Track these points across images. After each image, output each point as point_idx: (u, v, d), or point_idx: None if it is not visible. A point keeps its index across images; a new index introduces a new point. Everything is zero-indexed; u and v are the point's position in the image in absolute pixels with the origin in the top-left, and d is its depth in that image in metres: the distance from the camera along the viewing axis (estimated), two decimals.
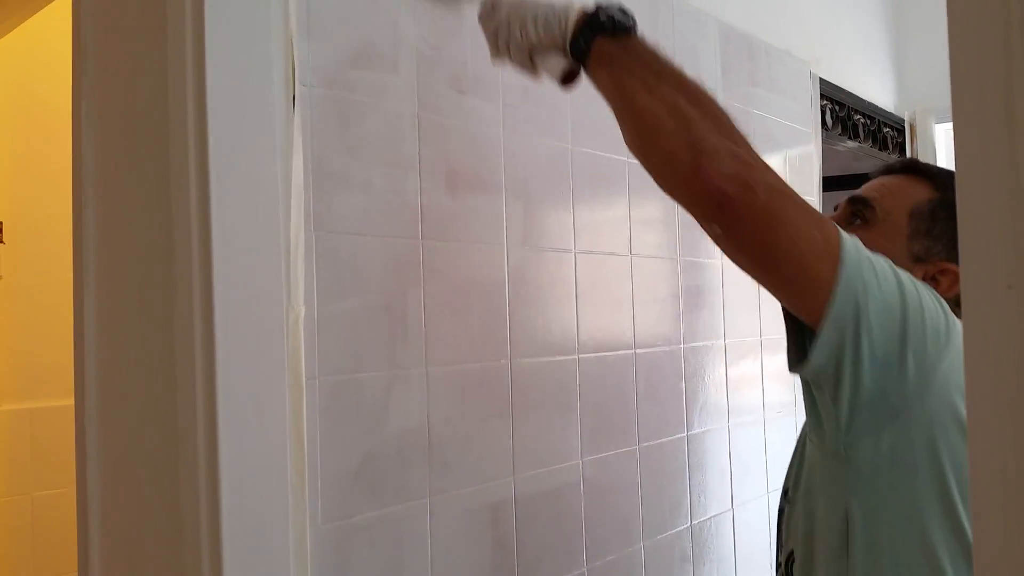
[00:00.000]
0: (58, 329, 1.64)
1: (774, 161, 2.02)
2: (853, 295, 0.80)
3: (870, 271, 0.82)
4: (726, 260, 1.77)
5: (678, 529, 1.62)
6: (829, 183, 2.48)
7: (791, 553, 1.00)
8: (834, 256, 0.80)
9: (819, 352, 0.83)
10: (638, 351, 1.56)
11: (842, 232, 0.83)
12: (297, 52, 0.98)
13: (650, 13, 1.60)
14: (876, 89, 2.69)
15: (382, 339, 1.09)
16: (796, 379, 2.06)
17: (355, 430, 1.05)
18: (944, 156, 2.86)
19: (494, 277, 1.26)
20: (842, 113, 2.44)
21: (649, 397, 1.57)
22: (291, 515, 0.94)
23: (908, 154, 2.86)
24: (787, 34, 2.10)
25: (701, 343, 1.73)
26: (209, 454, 0.90)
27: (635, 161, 1.57)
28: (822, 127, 2.28)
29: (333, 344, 1.03)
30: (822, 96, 2.28)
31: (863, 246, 0.84)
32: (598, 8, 0.92)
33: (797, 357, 0.88)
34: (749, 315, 1.89)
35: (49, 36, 1.74)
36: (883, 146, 2.70)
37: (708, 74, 1.77)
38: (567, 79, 0.96)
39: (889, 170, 1.11)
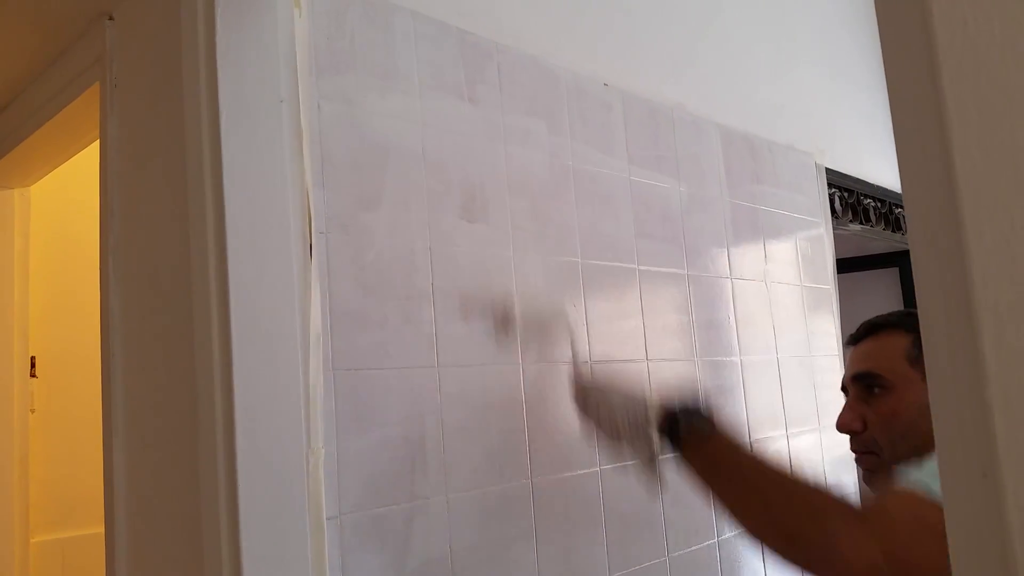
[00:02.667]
0: (89, 459, 1.67)
1: (786, 252, 2.05)
2: None
3: None
4: (745, 356, 1.79)
5: None
6: (845, 265, 2.50)
7: None
8: None
9: None
10: (661, 457, 1.55)
11: None
12: (313, 202, 1.03)
13: (650, 126, 1.66)
14: (884, 171, 2.72)
15: (402, 471, 1.10)
16: (823, 461, 2.02)
17: (377, 566, 1.05)
18: None
19: (511, 396, 1.28)
20: (851, 199, 2.47)
21: (676, 504, 1.55)
22: None
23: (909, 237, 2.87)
24: (789, 129, 2.15)
25: None
26: None
27: (645, 268, 1.61)
28: (831, 215, 2.31)
29: (353, 481, 1.04)
30: (830, 184, 2.31)
31: None
32: (675, 412, 1.06)
33: None
34: (773, 407, 1.88)
35: (79, 179, 1.84)
36: (895, 227, 2.72)
37: (711, 177, 1.81)
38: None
39: (855, 340, 1.17)
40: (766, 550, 0.95)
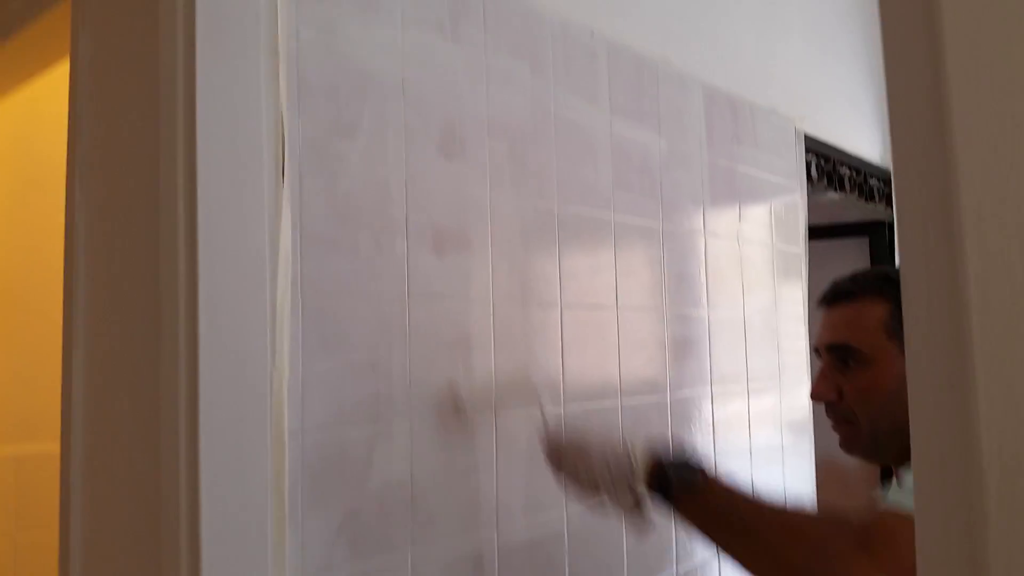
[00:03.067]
0: (47, 376, 1.67)
1: (760, 214, 2.07)
2: None
3: None
4: (713, 311, 1.82)
5: None
6: (816, 232, 2.52)
7: None
8: None
9: None
10: (624, 401, 1.58)
11: None
12: (287, 126, 1.03)
13: (634, 78, 1.66)
14: (862, 141, 2.75)
15: (366, 396, 1.12)
16: (780, 421, 2.06)
17: (338, 486, 1.07)
18: None
19: (480, 333, 1.30)
20: (827, 167, 2.50)
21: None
22: (271, 572, 0.96)
23: (895, 203, 2.91)
24: (772, 93, 2.16)
25: (688, 392, 1.76)
26: (191, 508, 0.93)
27: (620, 219, 1.63)
28: (807, 181, 2.33)
29: (318, 402, 1.06)
30: (807, 151, 2.33)
31: None
32: (664, 467, 1.03)
33: None
34: (736, 363, 1.92)
35: (48, 96, 1.80)
36: (869, 197, 2.75)
37: (692, 134, 1.82)
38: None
39: (829, 302, 1.14)
40: None
